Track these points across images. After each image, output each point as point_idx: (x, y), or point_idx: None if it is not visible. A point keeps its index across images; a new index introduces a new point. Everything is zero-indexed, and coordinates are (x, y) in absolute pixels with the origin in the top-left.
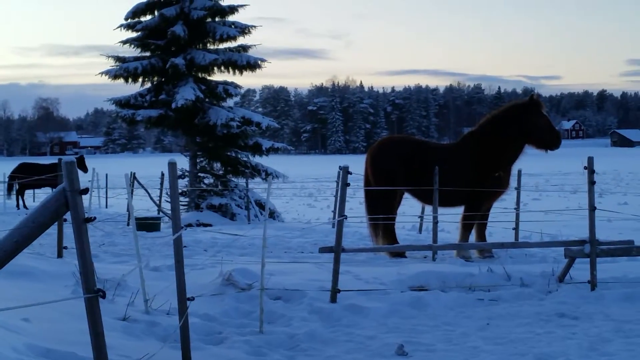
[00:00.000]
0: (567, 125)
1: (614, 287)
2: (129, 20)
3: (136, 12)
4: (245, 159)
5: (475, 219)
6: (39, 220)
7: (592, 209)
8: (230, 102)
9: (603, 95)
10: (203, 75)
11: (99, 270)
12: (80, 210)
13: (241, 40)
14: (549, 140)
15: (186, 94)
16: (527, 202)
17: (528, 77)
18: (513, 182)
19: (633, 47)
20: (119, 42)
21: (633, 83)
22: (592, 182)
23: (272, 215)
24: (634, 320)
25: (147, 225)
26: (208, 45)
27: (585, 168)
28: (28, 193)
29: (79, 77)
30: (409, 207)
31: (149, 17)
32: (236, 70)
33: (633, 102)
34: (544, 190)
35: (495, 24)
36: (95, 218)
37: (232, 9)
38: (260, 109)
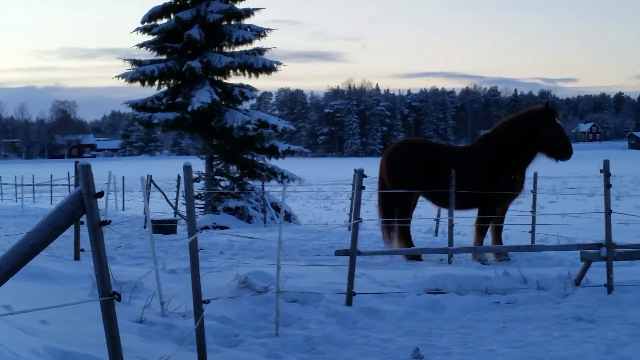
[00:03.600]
0: (584, 127)
1: (631, 290)
2: (145, 24)
3: (152, 15)
4: (261, 161)
5: (490, 221)
6: (56, 223)
7: (609, 212)
8: (246, 105)
9: (620, 98)
10: (219, 78)
11: (115, 272)
12: (96, 213)
13: (257, 43)
14: (560, 151)
15: (202, 97)
16: (544, 205)
17: (544, 79)
18: (529, 185)
19: None
20: (136, 45)
21: None
22: (608, 185)
23: (289, 218)
24: None
25: (164, 228)
26: (224, 48)
27: (601, 171)
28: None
29: (96, 80)
30: (425, 210)
31: (165, 20)
32: (252, 73)
33: None
34: (561, 193)
35: (511, 26)
36: (110, 221)
37: (248, 12)
38: (276, 112)
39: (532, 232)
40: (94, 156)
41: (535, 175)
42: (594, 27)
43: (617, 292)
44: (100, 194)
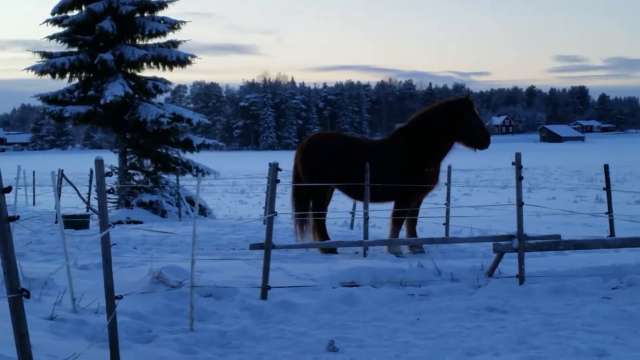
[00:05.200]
0: (497, 120)
1: (541, 280)
2: (56, 15)
3: (63, 6)
4: (176, 155)
5: (406, 214)
6: None
7: (520, 204)
8: (160, 98)
9: (532, 91)
10: (132, 71)
11: (25, 269)
12: (3, 208)
13: (171, 36)
14: (479, 140)
15: (115, 90)
16: (458, 198)
17: (458, 72)
18: (443, 178)
19: (561, 43)
20: (46, 37)
21: (561, 79)
22: (519, 178)
23: (204, 212)
24: (561, 313)
25: (76, 223)
26: (137, 40)
27: (513, 164)
28: None
29: (5, 73)
30: (341, 203)
31: (76, 12)
32: (166, 66)
33: (561, 98)
34: (474, 185)
35: (425, 20)
36: (18, 217)
37: (162, 4)
38: (191, 105)
39: (446, 224)
40: (3, 150)
41: (449, 168)
42: (507, 21)
43: (528, 283)
44: (8, 189)
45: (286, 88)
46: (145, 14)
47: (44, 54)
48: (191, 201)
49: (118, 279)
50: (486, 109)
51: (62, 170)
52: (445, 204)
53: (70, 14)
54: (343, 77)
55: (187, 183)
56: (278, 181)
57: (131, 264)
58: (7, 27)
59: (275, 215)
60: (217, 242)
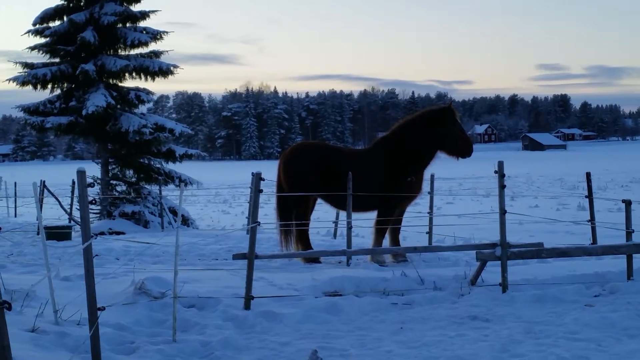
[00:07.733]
0: (480, 129)
1: (524, 289)
2: (38, 26)
3: (44, 17)
4: (158, 165)
5: (389, 223)
6: None
7: (503, 212)
8: (142, 109)
9: (514, 100)
10: (114, 81)
11: (6, 280)
12: None
13: (153, 46)
14: (461, 149)
15: (97, 100)
16: (441, 206)
17: (440, 81)
18: (426, 187)
19: (543, 52)
20: (27, 48)
21: (543, 87)
22: (502, 186)
23: (186, 222)
24: (544, 321)
25: (58, 234)
26: (119, 51)
27: (495, 172)
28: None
29: None
30: (324, 213)
31: (58, 22)
32: (148, 77)
33: (543, 106)
34: (457, 194)
35: (407, 29)
36: (0, 228)
37: (144, 15)
38: (174, 115)
39: (430, 233)
40: None
41: (432, 176)
42: (488, 30)
43: (511, 291)
44: None
45: (268, 98)
46: (127, 25)
47: (26, 65)
48: (174, 211)
49: (100, 290)
50: (468, 118)
51: (44, 182)
52: (428, 213)
53: (51, 24)
54: (325, 87)
55: (170, 193)
56: (261, 191)
57: (113, 275)
58: None
59: (258, 225)
60: (200, 253)
